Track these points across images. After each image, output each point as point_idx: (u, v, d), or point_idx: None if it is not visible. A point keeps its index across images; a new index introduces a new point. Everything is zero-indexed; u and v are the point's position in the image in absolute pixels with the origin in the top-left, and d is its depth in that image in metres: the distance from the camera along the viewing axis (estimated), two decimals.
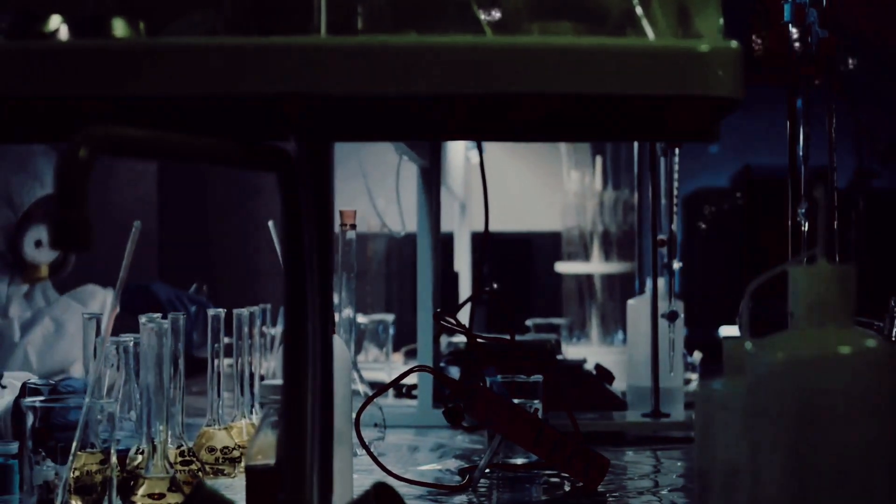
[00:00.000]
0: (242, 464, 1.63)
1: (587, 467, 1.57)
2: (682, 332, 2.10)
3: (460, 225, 3.12)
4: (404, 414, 2.17)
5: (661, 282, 2.07)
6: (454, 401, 1.57)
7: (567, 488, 1.62)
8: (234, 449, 1.62)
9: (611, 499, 1.55)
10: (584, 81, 0.94)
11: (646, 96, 0.94)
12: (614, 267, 2.91)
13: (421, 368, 1.78)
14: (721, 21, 1.01)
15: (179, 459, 1.42)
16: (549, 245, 3.29)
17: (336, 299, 1.76)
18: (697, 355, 2.53)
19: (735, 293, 3.52)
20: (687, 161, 2.15)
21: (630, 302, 2.24)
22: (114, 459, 1.27)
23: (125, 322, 2.36)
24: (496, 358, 1.74)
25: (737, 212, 4.13)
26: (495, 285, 1.88)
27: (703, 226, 3.86)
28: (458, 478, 1.67)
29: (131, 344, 1.44)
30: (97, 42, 0.97)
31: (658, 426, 2.03)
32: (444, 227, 2.33)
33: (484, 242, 1.96)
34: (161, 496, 1.28)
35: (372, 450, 1.62)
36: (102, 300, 2.73)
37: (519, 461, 1.72)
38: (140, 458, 1.38)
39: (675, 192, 2.01)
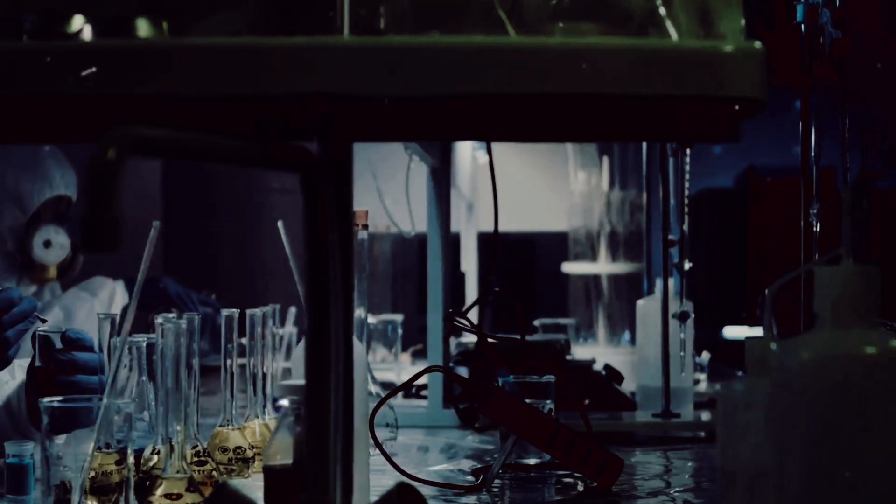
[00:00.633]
0: (256, 464, 1.63)
1: (602, 467, 1.57)
2: (691, 332, 2.10)
3: (467, 225, 3.11)
4: (414, 414, 2.17)
5: (670, 282, 2.08)
6: (468, 401, 1.57)
7: (581, 488, 1.62)
8: (247, 449, 1.62)
9: (624, 499, 1.55)
10: (608, 82, 0.94)
11: (670, 97, 0.94)
12: (621, 267, 2.91)
13: (435, 369, 1.78)
14: (742, 22, 1.01)
15: (194, 460, 1.42)
16: (555, 245, 3.29)
17: None
18: (706, 356, 2.53)
19: (739, 294, 3.52)
20: (691, 162, 2.15)
21: (639, 302, 2.24)
22: (131, 460, 1.27)
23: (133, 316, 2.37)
24: (507, 358, 1.74)
25: (741, 212, 4.13)
26: (497, 288, 1.88)
27: (707, 226, 3.86)
28: (469, 478, 1.67)
29: (144, 344, 1.44)
30: (121, 42, 0.97)
31: (669, 426, 2.03)
32: (451, 227, 2.33)
33: (494, 243, 1.96)
34: (179, 496, 1.28)
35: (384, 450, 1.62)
36: (111, 290, 2.74)
37: (531, 461, 1.72)
38: (156, 458, 1.38)
39: (686, 193, 2.01)
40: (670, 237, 2.06)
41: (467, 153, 3.04)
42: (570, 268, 2.98)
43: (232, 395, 1.64)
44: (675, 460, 1.84)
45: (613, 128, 1.07)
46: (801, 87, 1.74)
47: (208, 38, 0.97)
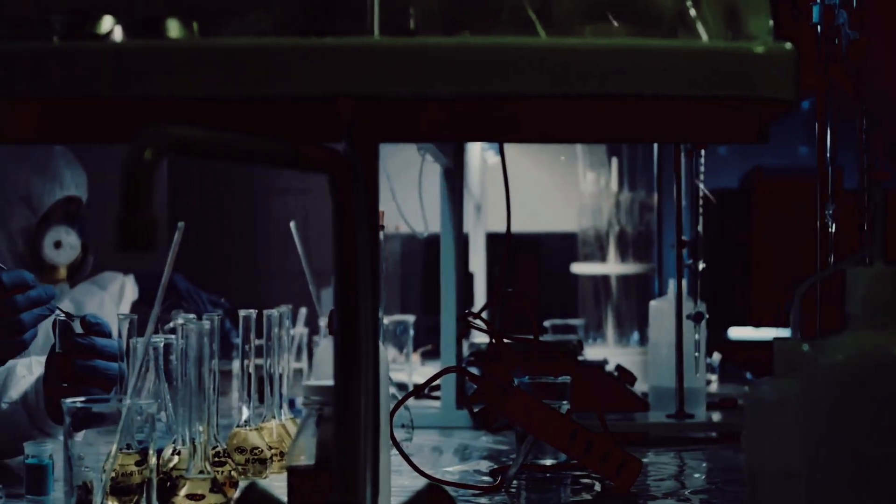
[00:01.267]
0: (274, 464, 1.63)
1: (620, 468, 1.57)
2: (704, 333, 2.10)
3: (476, 225, 3.11)
4: (427, 415, 2.17)
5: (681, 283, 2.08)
6: (487, 401, 1.57)
7: (597, 489, 1.62)
8: (264, 450, 1.62)
9: (641, 500, 1.55)
10: (640, 83, 0.94)
11: (702, 98, 0.94)
12: (630, 268, 2.91)
13: (453, 370, 1.78)
14: (771, 23, 1.01)
15: (214, 461, 1.42)
16: (564, 246, 3.29)
17: None
18: (716, 356, 2.53)
19: (743, 295, 3.51)
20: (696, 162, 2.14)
21: (652, 303, 2.24)
22: (153, 461, 1.27)
23: (142, 311, 2.37)
24: (521, 358, 1.75)
25: (746, 212, 4.13)
26: (510, 289, 1.88)
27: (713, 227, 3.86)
28: (486, 478, 1.67)
29: (162, 344, 1.44)
30: (151, 43, 0.97)
31: (683, 427, 2.03)
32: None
33: (507, 244, 1.96)
34: (202, 497, 1.28)
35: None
36: (121, 284, 2.74)
37: (547, 462, 1.72)
38: (177, 458, 1.37)
39: (701, 193, 2.01)
40: (682, 238, 2.06)
41: (476, 153, 3.04)
42: (579, 268, 2.99)
43: (249, 396, 1.64)
44: (688, 461, 1.84)
45: (642, 129, 1.07)
46: (816, 88, 1.74)
47: (238, 39, 0.97)
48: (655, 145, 2.35)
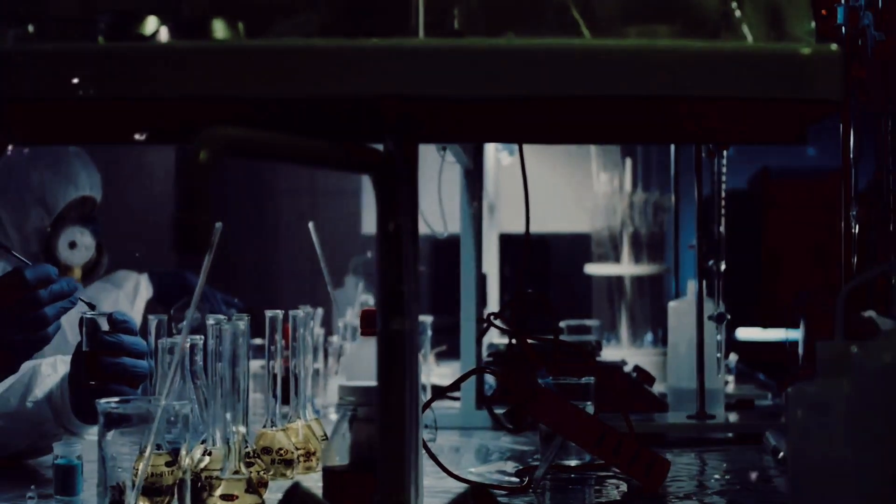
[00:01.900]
0: (300, 465, 1.63)
1: (649, 468, 1.57)
2: (724, 334, 2.10)
3: (489, 226, 3.11)
4: (447, 415, 2.16)
5: (694, 283, 2.08)
6: (515, 402, 1.57)
7: (624, 489, 1.62)
8: (291, 451, 1.62)
9: (667, 500, 1.55)
10: (686, 84, 0.94)
11: (748, 99, 0.94)
12: (644, 268, 2.91)
13: (479, 370, 1.78)
14: (812, 24, 1.01)
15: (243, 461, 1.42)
16: (578, 247, 3.29)
17: None
18: (733, 357, 2.54)
19: (752, 295, 3.50)
20: (705, 164, 2.14)
21: (672, 304, 2.24)
22: (186, 462, 1.27)
23: (156, 310, 2.37)
24: (542, 359, 1.75)
25: (754, 214, 4.13)
26: (529, 290, 1.88)
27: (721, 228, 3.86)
28: (511, 479, 1.67)
29: (188, 345, 1.44)
30: (196, 44, 0.97)
31: (705, 428, 2.03)
32: None
33: (525, 244, 1.96)
34: (236, 497, 1.28)
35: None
36: (136, 283, 2.74)
37: (572, 462, 1.72)
38: (208, 459, 1.37)
39: (723, 194, 2.01)
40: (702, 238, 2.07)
41: (490, 154, 3.04)
42: (593, 269, 2.99)
43: (275, 396, 1.64)
44: (709, 461, 1.84)
45: (684, 130, 1.07)
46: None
47: (285, 40, 0.98)
48: (672, 146, 2.34)
